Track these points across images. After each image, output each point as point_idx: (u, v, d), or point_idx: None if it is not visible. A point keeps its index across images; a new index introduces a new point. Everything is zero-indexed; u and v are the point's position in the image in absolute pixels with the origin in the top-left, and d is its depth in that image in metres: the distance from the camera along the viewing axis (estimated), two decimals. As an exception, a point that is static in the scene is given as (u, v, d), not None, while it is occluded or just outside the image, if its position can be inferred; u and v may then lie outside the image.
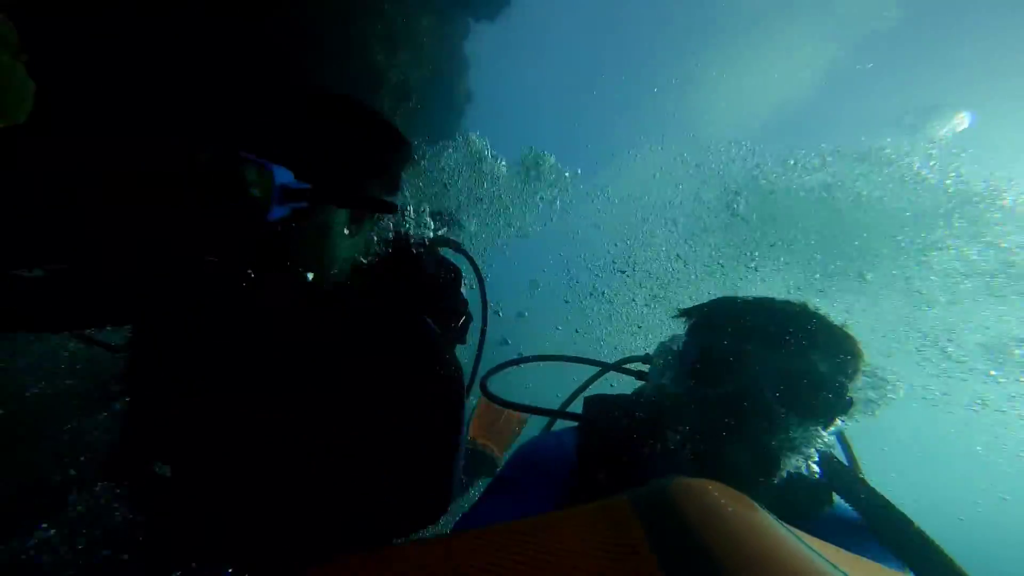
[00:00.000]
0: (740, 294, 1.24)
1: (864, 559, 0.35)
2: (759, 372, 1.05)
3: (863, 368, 1.16)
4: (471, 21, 7.74)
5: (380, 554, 0.43)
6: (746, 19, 9.73)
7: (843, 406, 1.10)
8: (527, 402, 1.55)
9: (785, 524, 0.34)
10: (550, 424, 1.70)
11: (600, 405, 1.35)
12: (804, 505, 1.15)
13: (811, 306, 1.18)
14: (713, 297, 1.29)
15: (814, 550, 0.32)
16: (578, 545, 0.35)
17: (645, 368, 1.57)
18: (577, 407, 1.43)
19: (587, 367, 1.82)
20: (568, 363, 1.84)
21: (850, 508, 1.18)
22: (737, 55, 9.88)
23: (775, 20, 9.71)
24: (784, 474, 1.06)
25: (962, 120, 9.91)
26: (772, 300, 1.18)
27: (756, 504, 0.35)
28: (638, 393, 1.42)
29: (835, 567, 0.30)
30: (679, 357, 1.22)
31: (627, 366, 1.65)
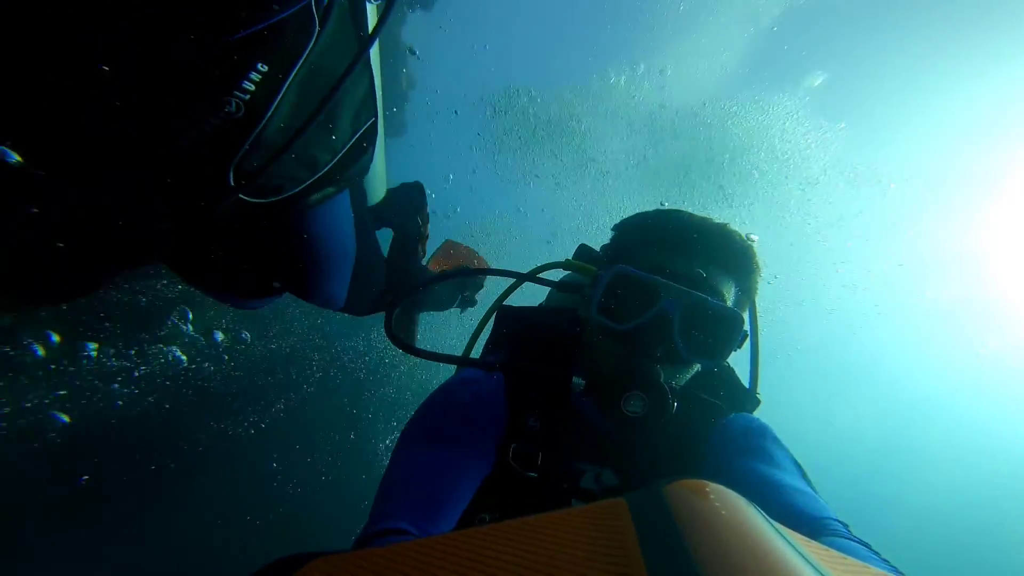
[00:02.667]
0: (668, 207, 1.08)
1: (865, 566, 0.34)
2: (668, 309, 0.94)
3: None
4: (406, 10, 7.41)
5: (365, 553, 0.39)
6: (676, 20, 10.06)
7: (741, 341, 1.03)
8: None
9: (781, 528, 0.32)
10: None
11: (515, 329, 1.16)
12: (696, 422, 1.09)
13: (730, 227, 1.04)
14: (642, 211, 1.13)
15: (810, 560, 0.29)
16: (573, 549, 0.32)
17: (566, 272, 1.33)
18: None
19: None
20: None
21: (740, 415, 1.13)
22: (672, 49, 10.19)
23: (700, 17, 10.15)
24: (676, 408, 0.97)
25: (817, 78, 11.20)
26: (694, 221, 1.03)
27: (753, 508, 0.32)
28: (555, 311, 1.23)
29: None
30: (593, 283, 1.06)
31: (544, 275, 1.38)
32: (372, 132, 1.53)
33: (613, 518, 0.33)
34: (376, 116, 1.53)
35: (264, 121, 1.17)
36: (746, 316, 1.08)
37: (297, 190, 1.37)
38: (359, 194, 1.87)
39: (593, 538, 0.32)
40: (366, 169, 1.60)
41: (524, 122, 9.71)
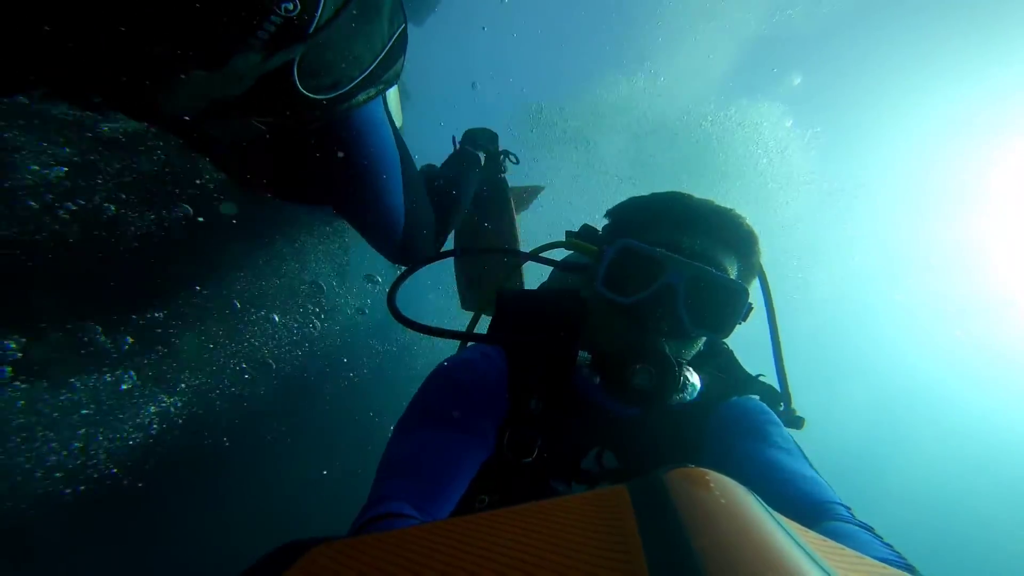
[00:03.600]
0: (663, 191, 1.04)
1: (860, 556, 0.33)
2: (673, 282, 0.90)
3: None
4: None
5: (368, 538, 0.38)
6: (666, 30, 10.13)
7: (746, 315, 0.99)
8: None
9: (780, 518, 0.31)
10: (464, 343, 1.39)
11: (517, 310, 1.11)
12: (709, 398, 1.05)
13: (734, 210, 1.00)
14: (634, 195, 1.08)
15: (807, 550, 0.29)
16: (574, 536, 0.32)
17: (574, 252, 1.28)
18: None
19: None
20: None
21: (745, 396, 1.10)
22: (663, 58, 10.27)
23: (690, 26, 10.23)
24: (683, 384, 0.93)
25: (795, 79, 11.34)
26: (696, 201, 0.99)
27: (753, 497, 0.32)
28: (557, 291, 1.17)
29: (825, 569, 0.27)
30: (596, 259, 1.02)
31: (546, 253, 1.33)
32: (404, 37, 1.64)
33: (614, 506, 0.32)
34: (406, 22, 1.64)
35: (318, 16, 1.25)
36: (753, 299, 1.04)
37: (349, 87, 1.47)
38: (387, 108, 1.99)
39: (593, 526, 0.31)
40: (399, 74, 1.70)
41: (528, 130, 9.76)
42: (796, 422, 1.16)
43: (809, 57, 11.86)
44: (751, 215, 1.02)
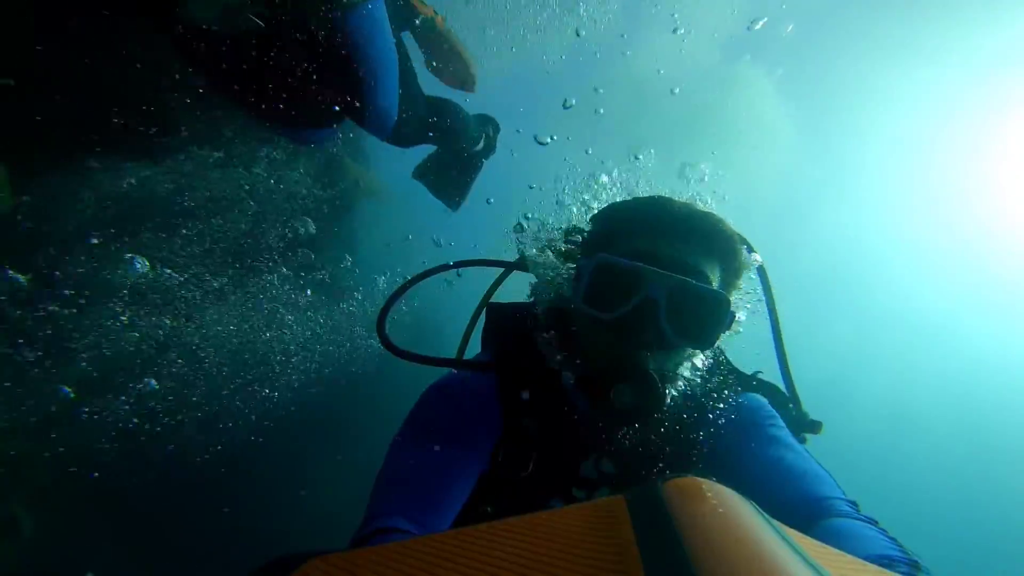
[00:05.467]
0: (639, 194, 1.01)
1: (862, 562, 0.32)
2: (654, 295, 0.87)
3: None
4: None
5: (364, 552, 0.37)
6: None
7: (729, 323, 0.95)
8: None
9: (779, 526, 0.30)
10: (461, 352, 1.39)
11: (505, 326, 1.10)
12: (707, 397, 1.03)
13: (715, 213, 0.97)
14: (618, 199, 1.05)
15: (805, 557, 0.28)
16: (572, 548, 0.31)
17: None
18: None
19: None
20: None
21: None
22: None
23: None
24: (671, 397, 0.93)
25: (789, 28, 11.14)
26: (676, 207, 0.95)
27: (750, 506, 0.30)
28: (546, 306, 1.11)
29: None
30: (577, 274, 0.98)
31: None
32: None
33: (612, 517, 0.31)
34: None
35: None
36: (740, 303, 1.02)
37: None
38: (395, 12, 2.06)
39: (592, 537, 0.30)
40: None
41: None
42: (811, 426, 1.12)
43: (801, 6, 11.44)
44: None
